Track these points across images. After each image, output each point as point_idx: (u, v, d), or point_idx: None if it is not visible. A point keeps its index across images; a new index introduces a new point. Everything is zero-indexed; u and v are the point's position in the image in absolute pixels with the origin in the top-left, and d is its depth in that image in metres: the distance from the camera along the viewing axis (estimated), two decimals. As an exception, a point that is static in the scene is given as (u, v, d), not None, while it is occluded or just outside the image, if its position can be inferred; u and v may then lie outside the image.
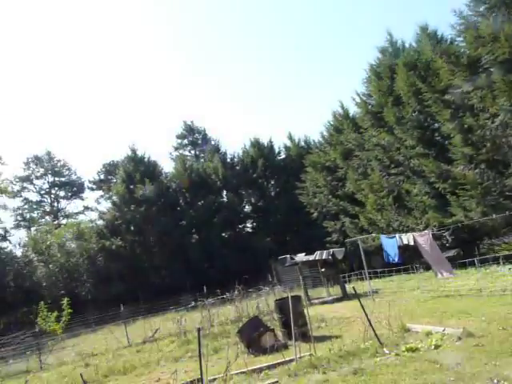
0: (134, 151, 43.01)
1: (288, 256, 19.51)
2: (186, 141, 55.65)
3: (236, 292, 17.46)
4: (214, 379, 8.31)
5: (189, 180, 40.84)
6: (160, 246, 37.61)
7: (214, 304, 17.68)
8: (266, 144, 43.46)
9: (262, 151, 42.67)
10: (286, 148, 43.67)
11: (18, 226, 54.86)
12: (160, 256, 36.63)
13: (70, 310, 7.79)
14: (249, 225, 44.78)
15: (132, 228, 39.49)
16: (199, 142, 54.92)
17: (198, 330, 7.73)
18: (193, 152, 55.16)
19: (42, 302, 8.41)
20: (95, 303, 30.07)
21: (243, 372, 8.48)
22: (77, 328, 25.14)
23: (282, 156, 43.97)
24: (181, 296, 22.84)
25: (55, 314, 7.95)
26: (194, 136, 55.23)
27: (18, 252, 44.40)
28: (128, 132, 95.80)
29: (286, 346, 10.19)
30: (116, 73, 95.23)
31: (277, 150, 43.91)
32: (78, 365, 14.66)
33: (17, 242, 48.10)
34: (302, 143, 42.79)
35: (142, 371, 11.68)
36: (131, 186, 40.18)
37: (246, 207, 44.60)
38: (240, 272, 25.69)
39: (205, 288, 18.42)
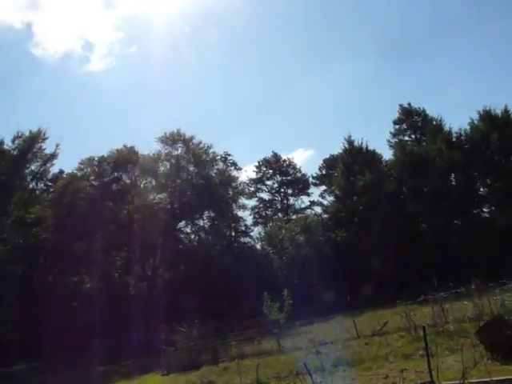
0: (350, 143, 43.11)
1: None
2: (404, 125, 52.58)
3: (473, 286, 15.33)
4: (449, 385, 7.30)
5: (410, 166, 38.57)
6: (385, 236, 36.55)
7: (446, 298, 15.96)
8: (499, 114, 37.45)
9: (494, 123, 36.96)
10: (528, 115, 36.68)
11: (256, 223, 61.65)
12: (385, 246, 35.58)
13: (290, 301, 8.18)
14: (486, 209, 39.54)
15: (355, 219, 39.64)
16: (419, 124, 51.08)
17: (423, 328, 6.93)
18: (413, 136, 51.72)
19: (265, 293, 9.08)
20: (325, 293, 31.21)
21: (486, 382, 7.19)
22: (310, 316, 26.61)
23: (523, 126, 37.12)
24: (409, 288, 21.55)
25: (277, 304, 8.46)
26: (412, 119, 51.71)
27: (258, 246, 50.17)
28: (343, 123, 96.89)
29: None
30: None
31: (515, 120, 37.30)
32: (310, 351, 15.25)
33: (255, 237, 54.19)
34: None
35: (370, 365, 11.36)
36: (351, 178, 40.36)
37: (481, 190, 39.51)
38: (476, 263, 22.71)
39: (435, 281, 16.82)
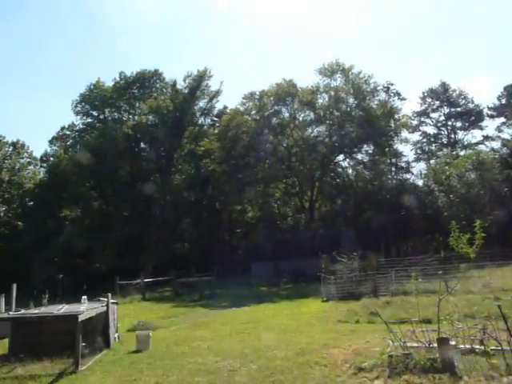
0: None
1: None
2: None
3: None
4: None
5: None
6: None
7: None
8: None
9: None
10: None
11: (417, 159, 57.40)
12: None
13: (482, 234, 6.99)
14: None
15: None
16: None
17: None
18: None
19: (454, 222, 8.01)
20: (500, 237, 27.86)
21: None
22: (478, 259, 24.09)
23: None
24: None
25: (467, 236, 7.42)
26: None
27: (419, 182, 46.91)
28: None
29: None
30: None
31: None
32: (486, 296, 13.86)
33: (417, 174, 50.61)
34: None
35: None
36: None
37: None
38: None
39: None
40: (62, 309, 11.17)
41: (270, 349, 9.43)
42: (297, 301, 20.56)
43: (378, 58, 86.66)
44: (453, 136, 60.09)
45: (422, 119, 61.02)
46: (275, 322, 14.13)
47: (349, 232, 35.43)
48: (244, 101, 47.18)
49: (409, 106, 75.85)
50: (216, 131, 50.61)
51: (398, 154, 47.55)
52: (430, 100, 61.24)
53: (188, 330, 13.85)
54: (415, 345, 7.47)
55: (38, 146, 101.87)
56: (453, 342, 7.15)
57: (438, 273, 16.86)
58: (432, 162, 51.44)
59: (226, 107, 54.11)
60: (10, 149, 53.66)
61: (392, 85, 48.21)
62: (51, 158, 55.27)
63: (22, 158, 54.97)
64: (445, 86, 60.42)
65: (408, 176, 49.38)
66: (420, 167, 53.68)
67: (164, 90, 54.67)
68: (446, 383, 5.92)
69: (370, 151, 45.36)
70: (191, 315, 18.01)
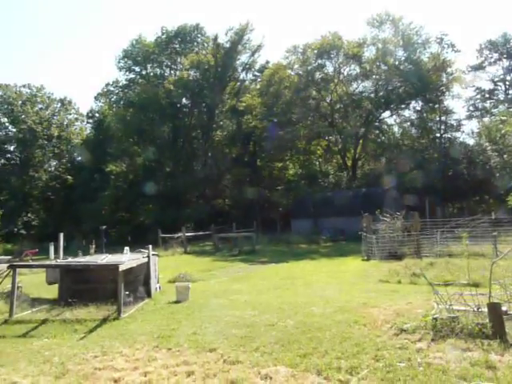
0: None
1: None
2: None
3: None
4: None
5: None
6: None
7: None
8: None
9: None
10: None
11: (469, 117, 54.19)
12: None
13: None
14: None
15: None
16: None
17: None
18: None
19: None
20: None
21: None
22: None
23: None
24: None
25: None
26: None
27: (470, 142, 44.49)
28: None
29: None
30: None
31: None
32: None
33: (469, 132, 47.97)
34: None
35: None
36: None
37: None
38: None
39: None
40: (105, 259, 11.50)
41: (308, 305, 9.31)
42: (336, 259, 20.39)
43: (432, 8, 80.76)
44: (511, 92, 55.98)
45: (478, 73, 56.92)
46: (314, 278, 14.03)
47: (392, 192, 34.40)
48: (287, 54, 45.63)
49: (464, 60, 70.85)
50: (258, 87, 49.56)
51: (448, 111, 45.02)
52: (487, 52, 56.76)
53: (227, 283, 14.01)
54: (462, 308, 7.07)
55: (85, 102, 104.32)
56: (505, 308, 6.71)
57: (493, 234, 16.22)
58: (486, 119, 48.41)
59: (268, 62, 52.70)
60: (58, 105, 55.32)
61: (446, 35, 44.93)
62: (97, 115, 56.51)
63: (70, 114, 56.62)
64: (506, 37, 55.64)
65: (458, 135, 47.01)
66: (471, 126, 50.78)
67: (205, 45, 53.70)
68: (496, 350, 5.56)
69: (418, 108, 43.22)
70: (230, 269, 18.24)
